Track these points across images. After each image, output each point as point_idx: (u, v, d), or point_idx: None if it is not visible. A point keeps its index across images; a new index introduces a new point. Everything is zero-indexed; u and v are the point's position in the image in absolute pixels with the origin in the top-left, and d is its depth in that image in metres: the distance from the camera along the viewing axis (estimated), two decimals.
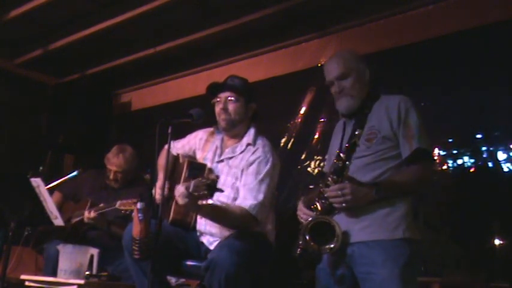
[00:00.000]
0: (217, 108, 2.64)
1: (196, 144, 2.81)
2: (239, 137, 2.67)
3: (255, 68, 4.64)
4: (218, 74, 4.76)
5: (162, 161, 2.76)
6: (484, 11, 3.49)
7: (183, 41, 4.55)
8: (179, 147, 2.86)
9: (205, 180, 2.12)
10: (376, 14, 3.97)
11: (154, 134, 2.31)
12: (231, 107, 2.61)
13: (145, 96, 5.62)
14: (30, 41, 4.87)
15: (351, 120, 2.30)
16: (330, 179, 2.07)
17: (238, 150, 2.63)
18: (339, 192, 2.02)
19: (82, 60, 5.22)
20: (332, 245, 2.01)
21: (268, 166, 2.51)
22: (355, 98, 2.26)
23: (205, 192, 2.11)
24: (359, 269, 2.08)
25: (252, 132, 2.65)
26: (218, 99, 2.65)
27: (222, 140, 2.73)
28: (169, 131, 2.31)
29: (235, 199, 2.51)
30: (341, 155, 2.07)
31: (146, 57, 4.90)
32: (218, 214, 2.43)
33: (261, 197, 2.45)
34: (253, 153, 2.56)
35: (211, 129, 2.81)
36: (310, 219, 2.07)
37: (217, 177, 2.18)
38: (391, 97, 2.27)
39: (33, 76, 5.44)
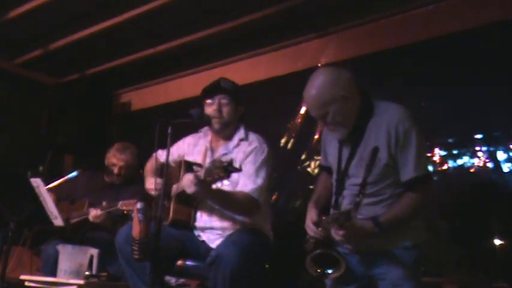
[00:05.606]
0: (211, 110, 2.69)
1: (185, 150, 2.85)
2: (228, 137, 2.73)
3: (255, 68, 4.64)
4: (218, 74, 4.69)
5: (150, 167, 2.80)
6: (484, 11, 3.49)
7: (183, 41, 4.56)
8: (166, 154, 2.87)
9: (218, 164, 2.15)
10: (376, 14, 3.96)
11: (154, 134, 2.32)
12: (225, 109, 2.68)
13: (146, 96, 5.62)
14: (30, 41, 4.87)
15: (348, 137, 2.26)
16: (336, 222, 2.01)
17: (232, 146, 2.69)
18: (344, 240, 2.01)
19: (82, 60, 5.22)
20: (335, 275, 2.06)
21: (264, 155, 2.61)
22: (344, 124, 2.19)
23: (221, 174, 2.16)
24: (372, 271, 2.16)
25: (242, 130, 2.73)
26: (211, 101, 2.68)
27: (211, 142, 2.78)
28: (169, 131, 2.32)
29: None
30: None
31: (146, 57, 4.91)
32: (225, 198, 2.49)
33: (259, 181, 2.53)
34: (249, 145, 2.65)
35: (198, 134, 2.87)
36: (317, 251, 2.07)
37: (232, 159, 2.21)
38: (389, 111, 2.17)
39: (33, 76, 5.43)
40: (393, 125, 2.11)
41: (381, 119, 2.16)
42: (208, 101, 2.71)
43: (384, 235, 2.06)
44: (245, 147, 2.64)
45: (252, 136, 2.70)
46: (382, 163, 2.11)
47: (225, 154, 2.66)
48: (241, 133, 2.71)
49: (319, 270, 2.06)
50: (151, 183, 2.67)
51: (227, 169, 2.14)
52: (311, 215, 2.21)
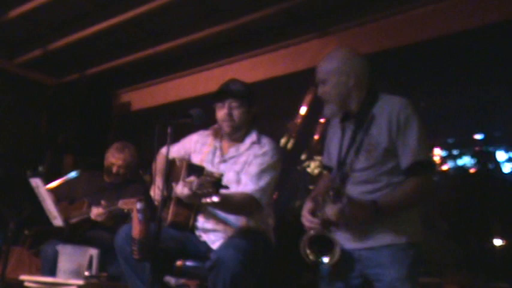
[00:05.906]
0: (221, 113, 2.65)
1: (191, 147, 2.81)
2: (239, 140, 2.70)
3: (255, 68, 4.64)
4: (218, 74, 4.77)
5: (159, 165, 2.76)
6: (484, 11, 3.49)
7: (183, 41, 4.56)
8: (174, 151, 2.85)
9: (209, 178, 2.13)
10: (376, 14, 3.96)
11: (154, 134, 2.31)
12: (235, 113, 2.63)
13: (145, 96, 5.62)
14: (30, 41, 4.88)
15: (350, 123, 2.28)
16: (331, 192, 2.03)
17: (243, 148, 2.65)
18: (339, 215, 2.01)
19: (82, 60, 5.22)
20: (328, 260, 2.04)
21: (273, 159, 2.58)
22: (333, 103, 2.24)
23: (210, 190, 2.13)
24: (368, 271, 2.14)
25: (254, 134, 2.69)
26: (221, 105, 2.66)
27: (221, 142, 2.75)
28: (169, 131, 2.31)
29: None
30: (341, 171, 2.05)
31: (146, 57, 4.91)
32: (223, 202, 2.40)
33: (262, 183, 2.50)
34: (260, 148, 2.62)
35: (206, 131, 2.82)
36: (311, 232, 2.08)
37: (222, 174, 2.19)
38: (392, 100, 2.22)
39: (33, 76, 5.44)
40: (395, 113, 2.14)
41: (382, 107, 2.20)
42: (219, 104, 2.67)
43: (380, 227, 2.06)
44: (256, 149, 2.62)
45: (265, 140, 2.66)
46: (382, 147, 2.12)
47: (235, 156, 2.64)
48: (253, 137, 2.67)
49: (311, 257, 2.04)
50: (153, 191, 2.64)
51: (216, 185, 2.12)
52: (307, 206, 2.20)
